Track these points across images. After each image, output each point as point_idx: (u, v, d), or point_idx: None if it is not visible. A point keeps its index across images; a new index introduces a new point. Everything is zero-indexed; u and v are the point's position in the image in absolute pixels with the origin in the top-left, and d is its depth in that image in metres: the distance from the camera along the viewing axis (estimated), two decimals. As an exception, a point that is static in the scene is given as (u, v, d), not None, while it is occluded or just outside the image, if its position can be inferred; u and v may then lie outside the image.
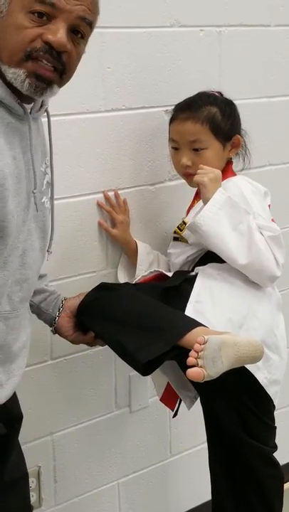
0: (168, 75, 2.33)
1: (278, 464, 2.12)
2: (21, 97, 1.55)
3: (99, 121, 2.20)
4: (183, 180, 2.25)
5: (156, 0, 2.26)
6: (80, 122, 2.15)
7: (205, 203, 1.97)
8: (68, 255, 2.20)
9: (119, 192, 2.27)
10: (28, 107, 1.59)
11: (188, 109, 2.11)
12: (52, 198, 1.74)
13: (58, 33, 1.49)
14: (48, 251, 1.76)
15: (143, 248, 2.28)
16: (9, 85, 1.53)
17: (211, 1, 2.40)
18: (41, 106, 1.63)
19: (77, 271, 2.22)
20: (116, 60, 2.20)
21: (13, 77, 1.51)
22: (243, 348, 1.72)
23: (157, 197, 2.38)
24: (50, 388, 2.25)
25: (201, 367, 1.68)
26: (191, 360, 1.70)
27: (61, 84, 1.57)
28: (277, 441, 2.13)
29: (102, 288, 2.02)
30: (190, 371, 1.69)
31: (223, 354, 1.69)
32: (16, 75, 1.50)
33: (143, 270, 2.22)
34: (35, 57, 1.50)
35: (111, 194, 2.26)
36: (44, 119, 1.71)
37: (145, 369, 1.84)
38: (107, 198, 2.25)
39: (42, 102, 1.63)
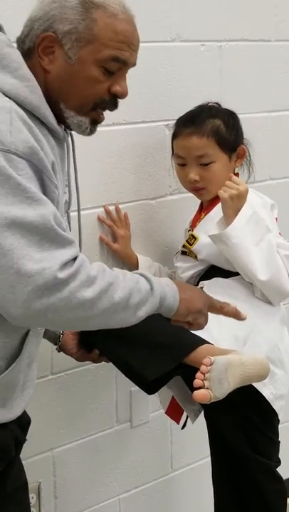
0: (169, 90, 2.34)
1: (282, 478, 2.11)
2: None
3: (100, 135, 2.16)
4: (184, 195, 2.25)
5: (158, 14, 2.27)
6: (81, 136, 2.14)
7: (225, 217, 1.97)
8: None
9: (120, 206, 2.27)
10: None
11: (192, 123, 2.10)
12: (78, 217, 1.79)
13: (123, 84, 1.60)
14: None
15: (144, 262, 2.27)
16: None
17: (212, 15, 2.41)
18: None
19: (78, 285, 2.21)
20: (117, 74, 2.20)
21: (76, 124, 1.60)
22: (250, 368, 1.72)
23: (158, 211, 2.37)
24: (51, 403, 2.24)
25: (207, 388, 1.68)
26: (197, 382, 1.69)
27: None
28: (280, 455, 2.13)
29: None
30: (196, 393, 1.69)
31: (229, 375, 1.69)
32: (82, 122, 1.60)
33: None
34: (102, 108, 1.61)
35: (112, 208, 2.25)
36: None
37: (151, 387, 1.83)
38: (108, 213, 2.25)
39: None
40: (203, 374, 1.68)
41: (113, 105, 1.62)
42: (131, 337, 1.87)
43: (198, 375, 1.69)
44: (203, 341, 1.83)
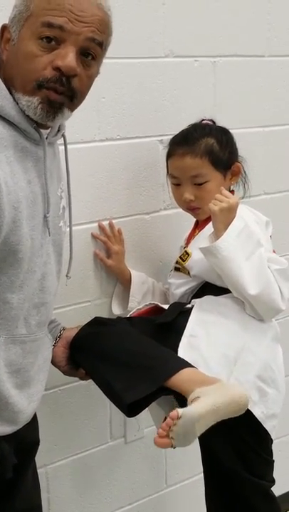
0: (162, 105, 2.34)
1: (275, 498, 2.08)
2: (37, 122, 1.56)
3: (93, 150, 2.20)
4: (178, 210, 2.25)
5: (151, 30, 2.28)
6: (75, 152, 2.15)
7: (215, 231, 1.96)
8: (63, 285, 2.19)
9: (114, 221, 2.27)
10: (45, 132, 1.60)
11: (186, 143, 2.09)
12: (69, 223, 1.74)
13: (67, 58, 1.47)
14: (66, 276, 1.78)
15: (137, 278, 2.27)
16: None
17: (205, 31, 2.42)
18: (58, 131, 1.65)
19: (71, 300, 2.21)
20: (111, 89, 2.20)
21: (26, 105, 1.52)
22: (223, 411, 1.65)
23: (152, 226, 2.37)
24: (44, 419, 2.22)
25: (171, 438, 1.61)
26: (160, 432, 1.62)
27: (72, 107, 1.57)
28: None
29: (96, 323, 2.00)
30: (157, 439, 1.63)
31: (197, 428, 1.62)
32: (30, 102, 1.51)
33: (136, 302, 2.21)
34: (47, 88, 1.50)
35: (106, 223, 2.25)
36: (60, 145, 1.73)
37: (130, 410, 1.80)
38: (102, 228, 2.24)
39: (59, 127, 1.65)
40: (169, 427, 1.61)
41: (58, 82, 1.49)
42: (115, 358, 1.85)
43: (164, 426, 1.62)
44: (186, 364, 1.79)
